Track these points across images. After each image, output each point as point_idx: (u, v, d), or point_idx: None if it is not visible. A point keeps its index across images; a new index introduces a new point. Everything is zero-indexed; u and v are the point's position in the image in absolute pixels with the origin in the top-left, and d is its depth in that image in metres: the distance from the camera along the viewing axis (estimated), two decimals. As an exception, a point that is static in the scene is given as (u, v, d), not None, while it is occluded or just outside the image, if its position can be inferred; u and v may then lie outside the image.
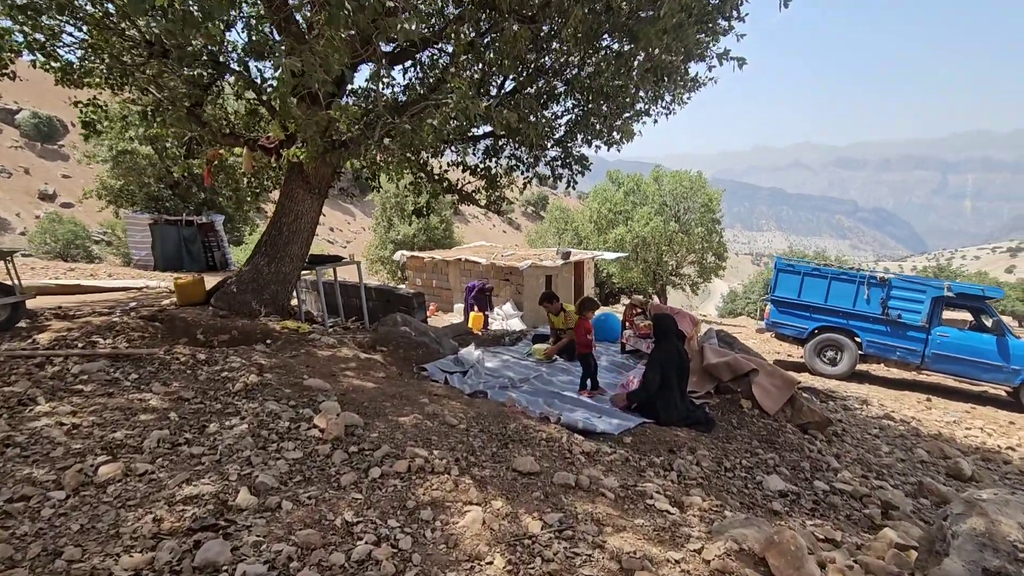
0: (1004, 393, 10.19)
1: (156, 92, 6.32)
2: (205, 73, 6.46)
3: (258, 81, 6.39)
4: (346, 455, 2.72)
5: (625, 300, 35.16)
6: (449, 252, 17.84)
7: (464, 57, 5.91)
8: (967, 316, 10.57)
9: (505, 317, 14.72)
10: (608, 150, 8.27)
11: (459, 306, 15.43)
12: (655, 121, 8.26)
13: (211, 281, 6.80)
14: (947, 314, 10.63)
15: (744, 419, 4.91)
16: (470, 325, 12.93)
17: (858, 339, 10.50)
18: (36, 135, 39.27)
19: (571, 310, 7.30)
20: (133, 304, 6.12)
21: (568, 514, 2.36)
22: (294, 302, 7.73)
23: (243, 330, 5.45)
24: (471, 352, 6.63)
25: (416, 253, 17.51)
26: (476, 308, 13.46)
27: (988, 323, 9.84)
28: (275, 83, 4.95)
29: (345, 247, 49.86)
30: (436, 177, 7.36)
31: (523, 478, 2.74)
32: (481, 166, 7.96)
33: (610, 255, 18.78)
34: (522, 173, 8.06)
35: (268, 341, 5.34)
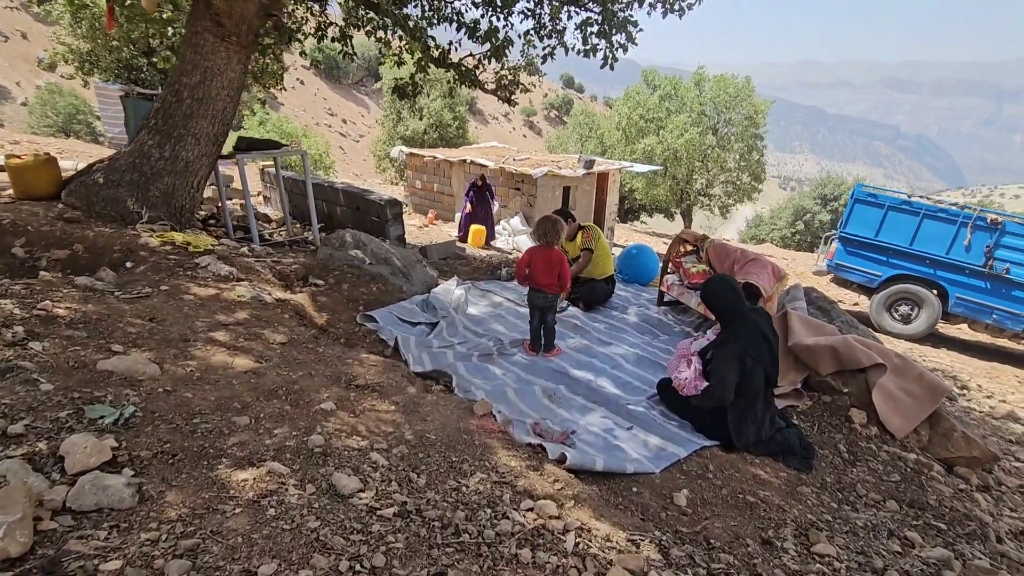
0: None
1: None
2: None
3: None
4: None
5: (647, 219, 32.67)
6: (453, 151, 15.46)
7: None
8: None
9: (512, 233, 12.65)
10: (664, 16, 5.86)
11: (459, 215, 13.35)
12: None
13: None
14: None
15: (857, 445, 3.10)
16: (469, 242, 10.80)
17: (936, 292, 8.47)
18: (28, -6, 35.23)
19: (591, 228, 5.29)
20: (-42, 193, 4.22)
21: None
22: (222, 204, 5.78)
23: (93, 244, 3.56)
24: (449, 290, 4.76)
25: (416, 151, 15.18)
26: (470, 207, 11.00)
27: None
28: None
29: (358, 141, 46.60)
30: (415, 33, 5.05)
31: None
32: (484, 26, 5.60)
33: (640, 167, 16.22)
34: (542, 39, 5.73)
35: (128, 264, 3.47)
